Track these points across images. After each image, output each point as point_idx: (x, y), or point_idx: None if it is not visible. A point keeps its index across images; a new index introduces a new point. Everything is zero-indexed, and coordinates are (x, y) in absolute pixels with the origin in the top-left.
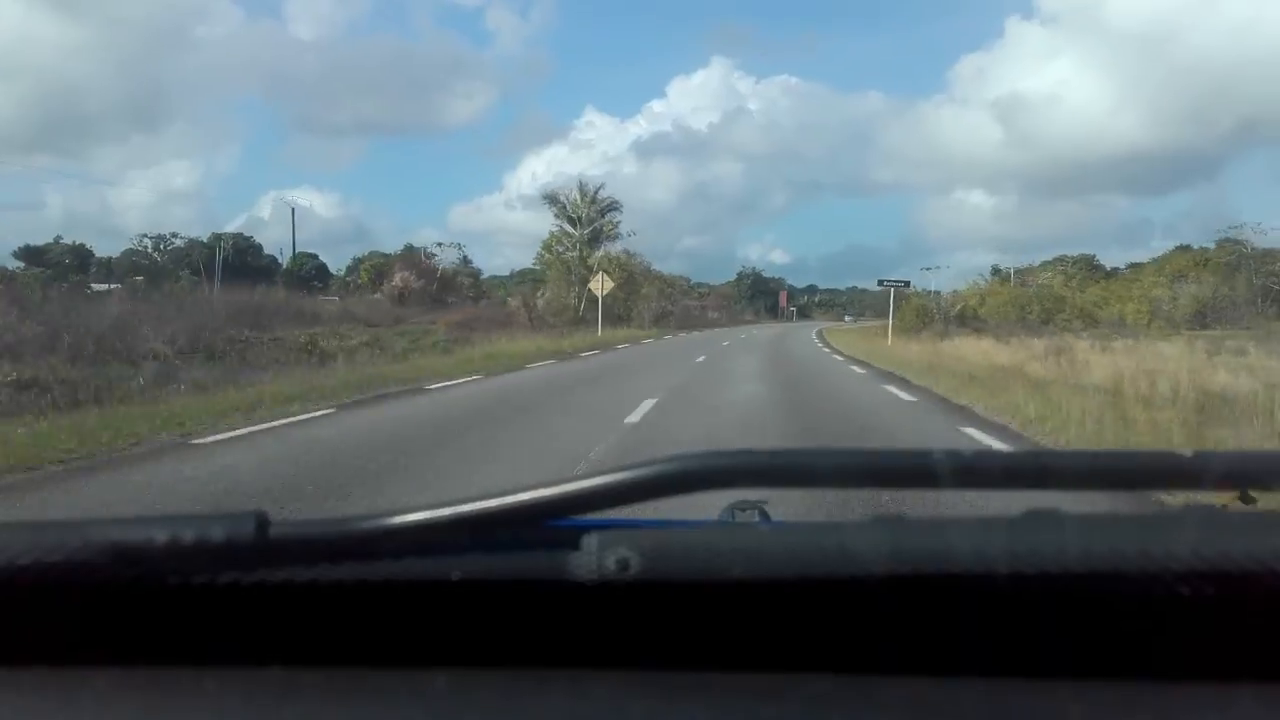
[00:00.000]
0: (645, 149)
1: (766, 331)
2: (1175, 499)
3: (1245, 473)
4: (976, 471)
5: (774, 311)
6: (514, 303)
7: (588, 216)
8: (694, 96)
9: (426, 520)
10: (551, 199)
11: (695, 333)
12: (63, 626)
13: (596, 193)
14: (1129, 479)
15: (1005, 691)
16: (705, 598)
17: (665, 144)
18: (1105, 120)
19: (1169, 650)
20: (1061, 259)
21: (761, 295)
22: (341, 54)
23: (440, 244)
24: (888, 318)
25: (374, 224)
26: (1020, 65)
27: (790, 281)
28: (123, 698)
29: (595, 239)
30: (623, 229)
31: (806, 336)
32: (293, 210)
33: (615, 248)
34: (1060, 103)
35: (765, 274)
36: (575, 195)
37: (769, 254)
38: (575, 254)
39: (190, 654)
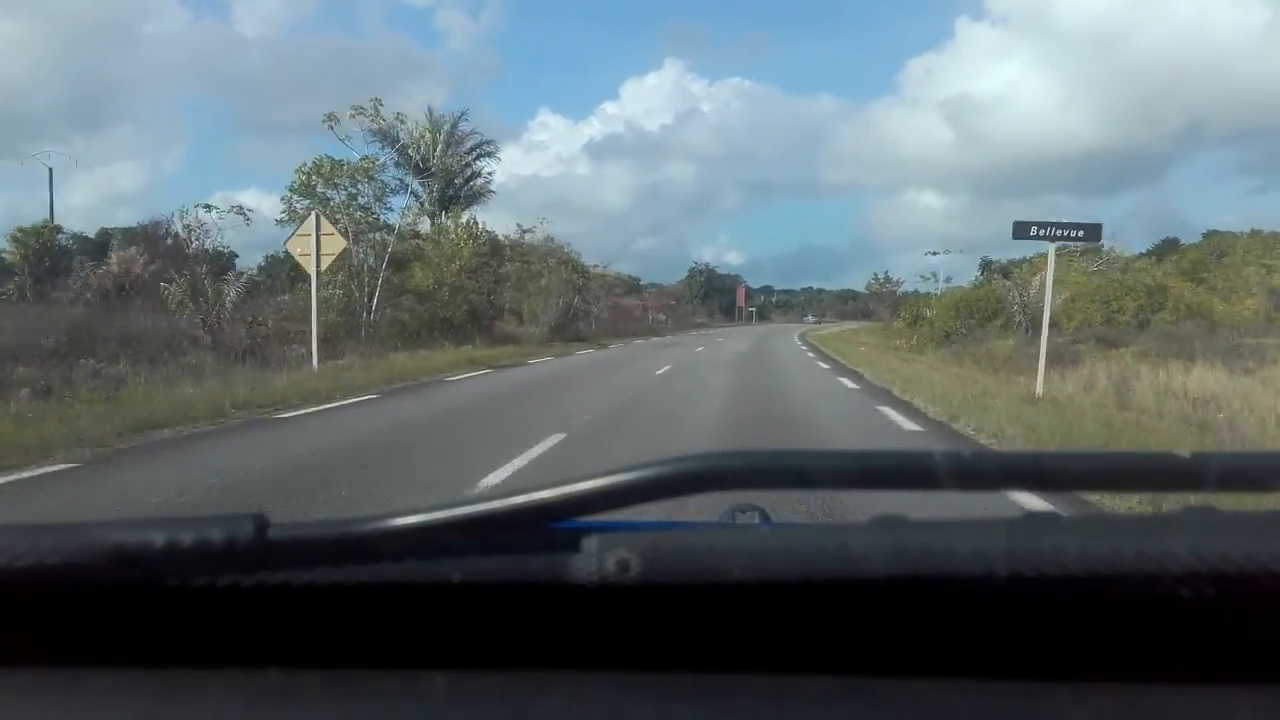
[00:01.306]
0: (599, 150)
1: (730, 344)
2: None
3: (1244, 474)
4: (977, 473)
5: (729, 312)
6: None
7: (441, 162)
8: (647, 98)
9: (426, 522)
10: (386, 136)
11: (614, 348)
12: (63, 628)
13: (455, 125)
14: (1128, 480)
15: (1005, 693)
16: (706, 600)
17: (619, 145)
18: (1053, 121)
19: (1169, 652)
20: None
21: (716, 294)
22: (289, 53)
23: (210, 207)
24: (856, 319)
25: None
26: (970, 66)
27: (747, 283)
28: (122, 699)
29: (453, 199)
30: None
31: (799, 357)
32: (50, 171)
33: (519, 225)
34: (1009, 103)
35: (720, 271)
36: (421, 129)
37: (724, 255)
38: (409, 218)
39: (190, 656)
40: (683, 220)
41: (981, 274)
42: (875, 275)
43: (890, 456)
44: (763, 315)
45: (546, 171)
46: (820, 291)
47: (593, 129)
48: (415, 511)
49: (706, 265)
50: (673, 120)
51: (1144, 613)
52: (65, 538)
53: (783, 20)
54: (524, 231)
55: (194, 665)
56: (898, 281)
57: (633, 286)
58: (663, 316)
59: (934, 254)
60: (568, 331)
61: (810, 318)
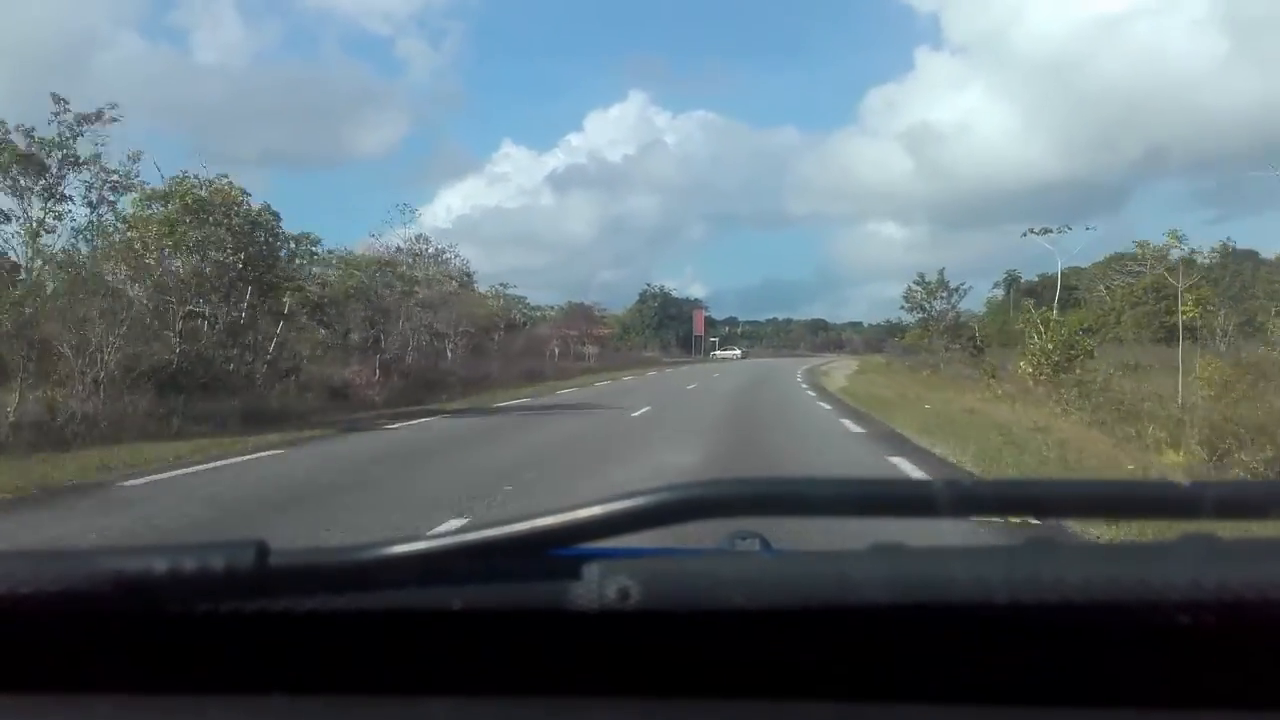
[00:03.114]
0: (562, 182)
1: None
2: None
3: (1242, 502)
4: (976, 501)
5: (689, 344)
6: None
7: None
8: (611, 130)
9: (427, 550)
10: None
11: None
12: (65, 655)
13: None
14: (1127, 508)
15: (1005, 718)
16: (706, 626)
17: (582, 177)
18: (1013, 150)
19: (1169, 679)
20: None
21: (671, 323)
22: (245, 83)
23: None
24: (830, 352)
25: None
26: (930, 96)
27: (710, 313)
28: None
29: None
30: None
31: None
32: None
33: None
34: (969, 133)
35: (676, 295)
36: None
37: (688, 286)
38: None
39: (192, 682)
40: (646, 252)
41: (1006, 292)
42: (919, 279)
43: (890, 485)
44: (726, 347)
45: (510, 203)
46: (788, 322)
47: (556, 160)
48: (416, 539)
49: (661, 289)
50: (636, 152)
51: (1144, 640)
52: (67, 565)
53: (746, 52)
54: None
55: (196, 692)
56: (956, 289)
57: (575, 313)
58: (595, 349)
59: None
60: (425, 380)
61: (736, 350)
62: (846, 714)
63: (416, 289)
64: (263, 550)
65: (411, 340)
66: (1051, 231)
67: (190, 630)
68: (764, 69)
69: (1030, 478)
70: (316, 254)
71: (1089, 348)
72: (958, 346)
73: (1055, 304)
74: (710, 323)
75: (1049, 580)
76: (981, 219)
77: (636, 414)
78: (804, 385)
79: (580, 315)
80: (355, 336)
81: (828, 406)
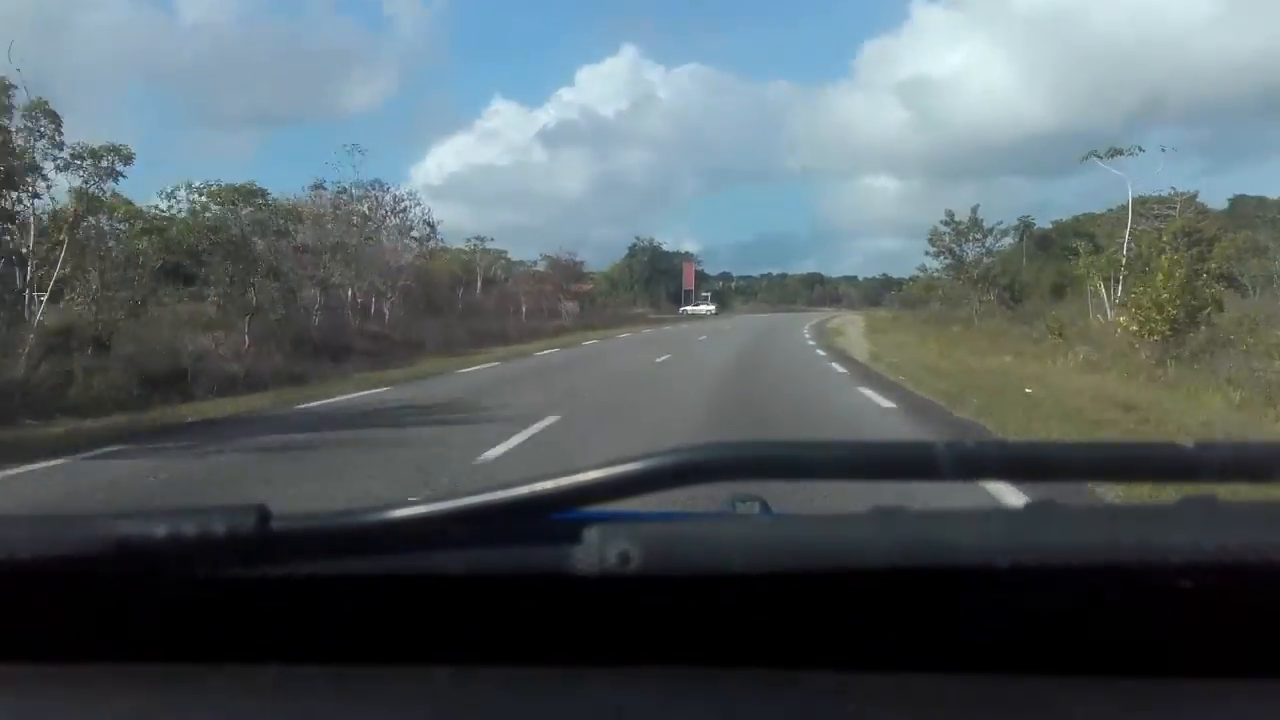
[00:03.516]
0: (554, 138)
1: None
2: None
3: (1245, 464)
4: (978, 463)
5: (679, 300)
6: None
7: None
8: (603, 84)
9: (428, 513)
10: None
11: None
12: (64, 621)
13: None
14: (1129, 470)
15: (1006, 684)
16: (707, 591)
17: (575, 133)
18: (1008, 102)
19: (1169, 642)
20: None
21: (662, 277)
22: (235, 42)
23: None
24: (828, 306)
25: None
26: (926, 49)
27: (703, 268)
28: (125, 692)
29: None
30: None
31: None
32: None
33: None
34: (965, 85)
35: (667, 249)
36: None
37: (681, 243)
38: None
39: (193, 648)
40: (641, 208)
41: (1019, 240)
42: (947, 219)
43: (892, 447)
44: (722, 302)
45: (502, 160)
46: (783, 277)
47: (548, 116)
48: (417, 503)
49: (650, 242)
50: (629, 107)
51: (1145, 603)
52: (65, 529)
53: (739, 3)
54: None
55: (196, 658)
56: (991, 230)
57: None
58: (573, 307)
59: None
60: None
61: (705, 308)
62: (847, 680)
63: (296, 231)
64: (264, 514)
65: (320, 298)
66: (1121, 154)
67: (190, 595)
68: (757, 21)
69: (1032, 440)
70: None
71: (1217, 296)
72: (991, 297)
73: (1126, 245)
74: (703, 277)
75: (1050, 544)
76: (976, 171)
77: (524, 437)
78: (820, 352)
79: (559, 270)
80: (214, 292)
81: (874, 395)
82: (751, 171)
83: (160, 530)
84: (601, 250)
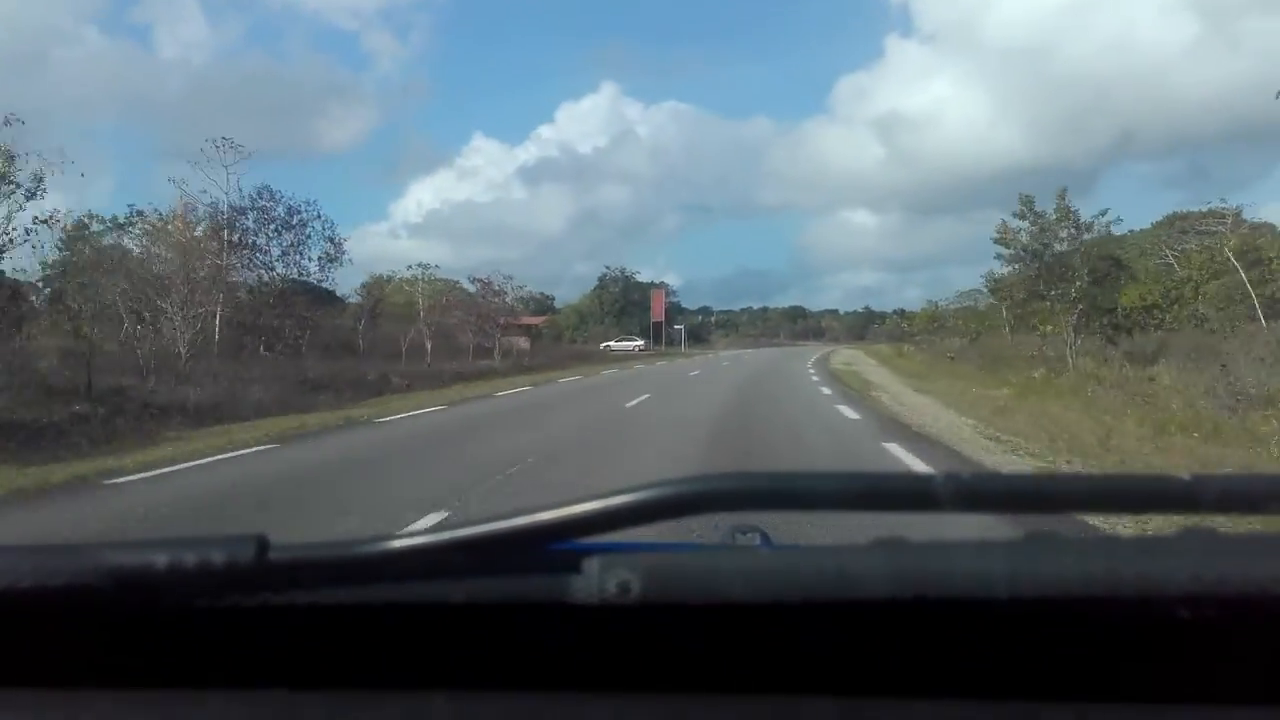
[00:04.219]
0: (534, 174)
1: None
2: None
3: (1242, 496)
4: (977, 495)
5: (656, 335)
6: None
7: None
8: (583, 121)
9: (427, 544)
10: None
11: None
12: (65, 649)
13: None
14: (1128, 502)
15: (1006, 714)
16: (706, 621)
17: (554, 169)
18: (984, 136)
19: (1168, 673)
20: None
21: (636, 309)
22: (212, 78)
23: None
24: (811, 340)
25: None
26: (900, 84)
27: (683, 303)
28: (126, 717)
29: None
30: None
31: None
32: None
33: None
34: (940, 120)
35: (640, 279)
36: None
37: (662, 277)
38: None
39: (193, 676)
40: (621, 243)
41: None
42: (1025, 203)
43: (890, 479)
44: (699, 338)
45: (481, 197)
46: (765, 310)
47: (528, 153)
48: (416, 533)
49: (622, 272)
50: (608, 143)
51: (1144, 633)
52: (67, 560)
53: (717, 42)
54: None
55: (196, 686)
56: (1093, 221)
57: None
58: (521, 343)
59: None
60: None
61: (632, 343)
62: (846, 708)
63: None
64: (263, 544)
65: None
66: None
67: (191, 624)
68: (735, 58)
69: (1033, 473)
70: None
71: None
72: (1083, 321)
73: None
74: (679, 310)
75: (1050, 575)
76: (953, 205)
77: None
78: (899, 452)
79: (490, 298)
80: None
81: None
82: (731, 206)
83: (160, 560)
84: (580, 285)
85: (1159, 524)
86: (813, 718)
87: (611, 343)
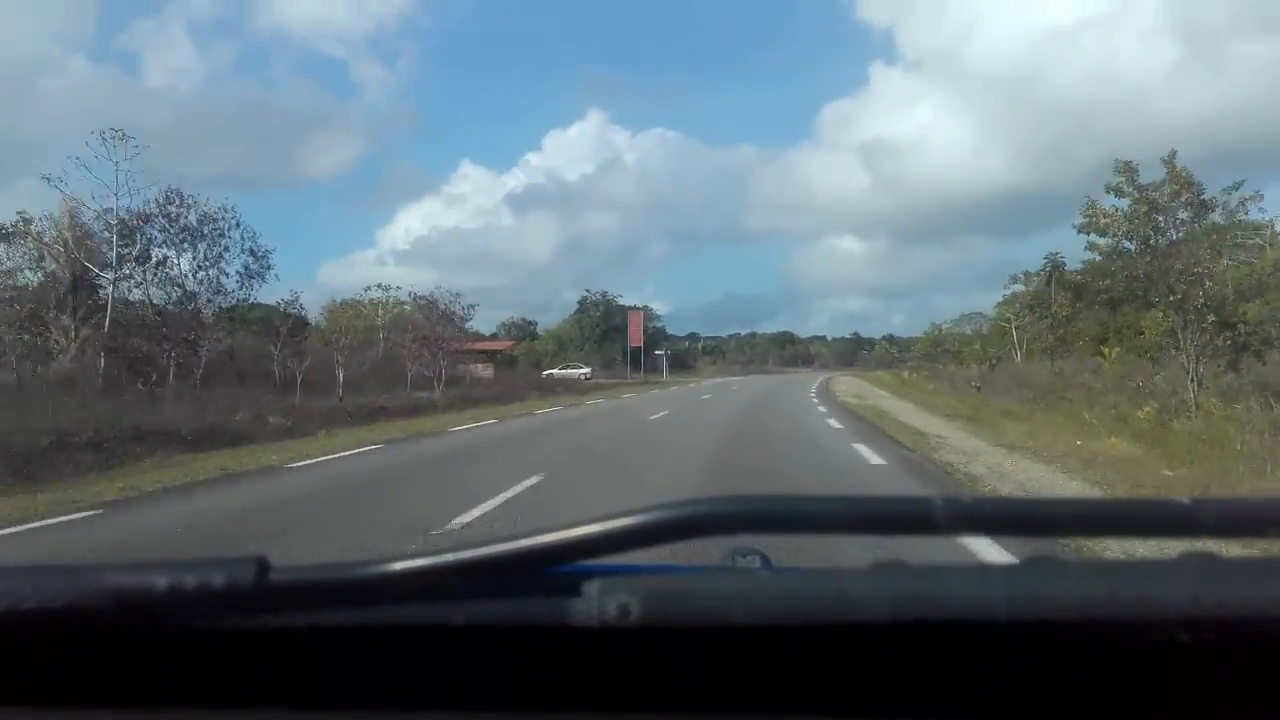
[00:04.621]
0: (521, 201)
1: None
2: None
3: (1241, 520)
4: (977, 519)
5: (635, 361)
6: None
7: None
8: (571, 148)
9: (428, 566)
10: None
11: None
12: (67, 669)
13: None
14: (1126, 526)
15: None
16: (706, 643)
17: (542, 196)
18: (968, 163)
19: (1168, 697)
20: None
21: (618, 334)
22: (199, 106)
23: None
24: (799, 366)
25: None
26: (885, 111)
27: (669, 329)
28: None
29: None
30: None
31: None
32: None
33: None
34: (924, 147)
35: (623, 302)
36: None
37: (649, 303)
38: None
39: (193, 696)
40: (608, 271)
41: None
42: (1121, 171)
43: (889, 503)
44: (684, 365)
45: (469, 224)
46: (753, 336)
47: (516, 180)
48: (416, 555)
49: (603, 295)
50: (596, 170)
51: (1143, 657)
52: (69, 581)
53: (703, 70)
54: None
55: (196, 706)
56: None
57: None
58: (483, 372)
59: None
60: None
61: (582, 373)
62: None
63: None
64: (263, 566)
65: None
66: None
67: (191, 645)
68: (721, 86)
69: (1033, 496)
70: None
71: None
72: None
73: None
74: (663, 335)
75: (1049, 598)
76: (938, 232)
77: None
78: None
79: (436, 319)
80: None
81: None
82: (718, 233)
83: (161, 581)
84: (568, 310)
85: (1159, 548)
86: None
87: (555, 370)
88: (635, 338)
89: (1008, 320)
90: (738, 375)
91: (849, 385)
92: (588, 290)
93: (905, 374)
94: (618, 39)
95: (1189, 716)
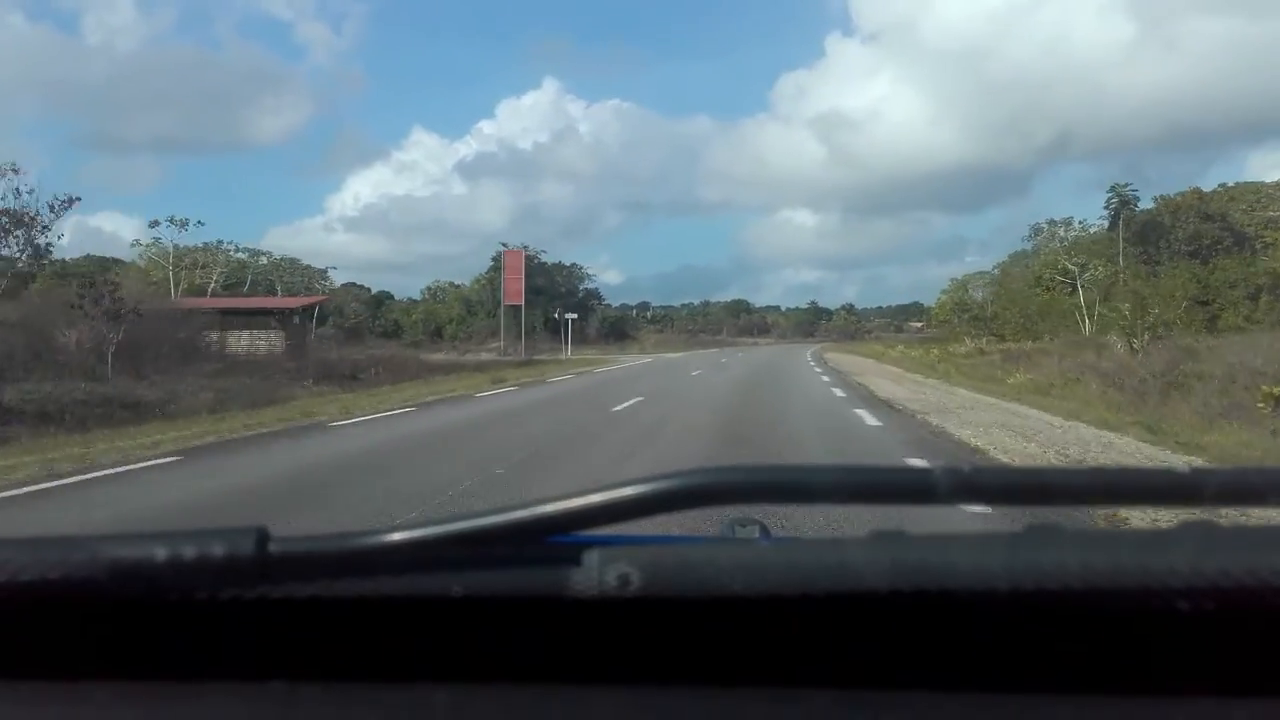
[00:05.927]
0: (474, 169)
1: None
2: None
3: (1243, 489)
4: (976, 487)
5: (556, 331)
6: None
7: None
8: (524, 117)
9: (427, 536)
10: None
11: None
12: (64, 641)
13: None
14: (1127, 495)
15: (1005, 707)
16: (706, 614)
17: (495, 164)
18: (922, 137)
19: (1168, 666)
20: None
21: (549, 298)
22: (139, 64)
23: None
24: (753, 335)
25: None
26: (841, 83)
27: (624, 300)
28: (124, 712)
29: None
30: None
31: None
32: None
33: None
34: (879, 120)
35: (546, 260)
36: None
37: (603, 274)
38: None
39: (192, 669)
40: (562, 241)
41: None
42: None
43: (889, 472)
44: (622, 333)
45: (421, 191)
46: (706, 305)
47: (468, 148)
48: (415, 526)
49: (525, 249)
50: (550, 140)
51: (1144, 627)
52: (67, 552)
53: (659, 40)
54: None
55: (195, 678)
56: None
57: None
58: (266, 344)
59: None
60: None
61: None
62: (847, 700)
63: None
64: (263, 537)
65: None
66: None
67: (190, 617)
68: (678, 57)
69: (1033, 465)
70: None
71: None
72: None
73: None
74: (594, 297)
75: (1050, 567)
76: (891, 206)
77: None
78: None
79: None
80: None
81: None
82: (673, 203)
83: (160, 552)
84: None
85: (1161, 517)
86: (812, 710)
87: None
88: (513, 293)
89: (1064, 274)
90: (682, 349)
91: (852, 363)
92: (503, 244)
93: (900, 348)
94: (575, 7)
95: (1190, 686)
